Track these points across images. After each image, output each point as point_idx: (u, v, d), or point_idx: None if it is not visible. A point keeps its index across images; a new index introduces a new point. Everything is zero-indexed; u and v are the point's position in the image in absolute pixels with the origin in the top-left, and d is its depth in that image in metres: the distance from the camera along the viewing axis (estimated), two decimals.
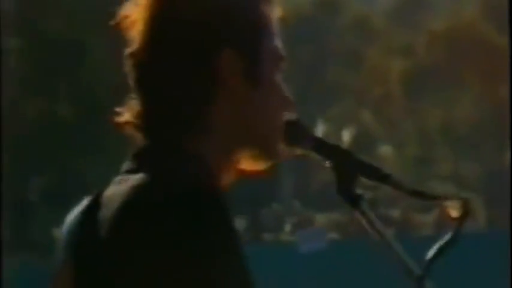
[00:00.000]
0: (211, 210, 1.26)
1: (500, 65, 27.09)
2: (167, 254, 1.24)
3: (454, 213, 1.53)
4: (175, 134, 1.35)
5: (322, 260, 14.81)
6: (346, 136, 24.76)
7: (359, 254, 15.32)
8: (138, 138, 1.37)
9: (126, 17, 1.37)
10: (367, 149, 22.41)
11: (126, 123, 1.37)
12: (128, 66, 1.38)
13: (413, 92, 27.39)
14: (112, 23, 1.36)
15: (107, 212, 1.31)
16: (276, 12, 1.38)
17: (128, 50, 1.37)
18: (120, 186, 1.33)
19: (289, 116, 1.44)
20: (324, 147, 1.49)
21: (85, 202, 1.36)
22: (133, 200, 1.29)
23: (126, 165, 1.36)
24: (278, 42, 1.38)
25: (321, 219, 24.75)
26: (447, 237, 1.51)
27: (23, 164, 20.97)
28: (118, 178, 1.35)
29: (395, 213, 22.66)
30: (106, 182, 1.38)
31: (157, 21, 1.35)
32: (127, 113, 1.37)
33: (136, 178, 1.32)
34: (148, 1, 1.36)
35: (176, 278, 1.23)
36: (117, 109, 1.37)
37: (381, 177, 1.49)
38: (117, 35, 1.39)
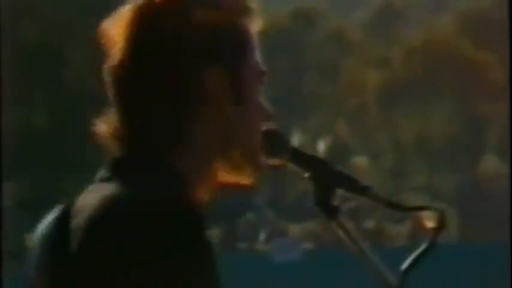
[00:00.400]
0: (183, 224, 1.25)
1: (475, 79, 27.29)
2: (135, 268, 1.23)
3: (430, 224, 1.55)
4: (153, 146, 1.34)
5: (296, 270, 14.79)
6: (322, 147, 24.82)
7: (333, 264, 15.33)
8: (114, 149, 1.36)
9: (107, 31, 1.36)
10: (343, 159, 22.47)
11: (103, 133, 1.38)
12: (107, 80, 1.37)
13: (389, 104, 27.52)
14: (92, 35, 1.36)
15: (78, 221, 1.30)
16: (255, 26, 1.38)
17: (108, 64, 1.36)
18: (92, 195, 1.32)
19: (267, 126, 1.44)
20: (302, 158, 1.50)
21: (57, 210, 1.36)
22: (104, 210, 1.28)
23: (101, 173, 1.35)
24: (258, 57, 1.39)
25: (295, 229, 24.75)
26: (422, 248, 1.53)
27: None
28: (92, 186, 1.34)
29: (369, 224, 22.71)
30: (81, 191, 1.38)
31: (139, 37, 1.34)
32: (104, 124, 1.37)
33: (109, 187, 1.31)
34: (131, 16, 1.35)
35: None
36: (95, 120, 1.37)
37: (359, 189, 1.51)
38: (97, 44, 1.39)
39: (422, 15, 31.46)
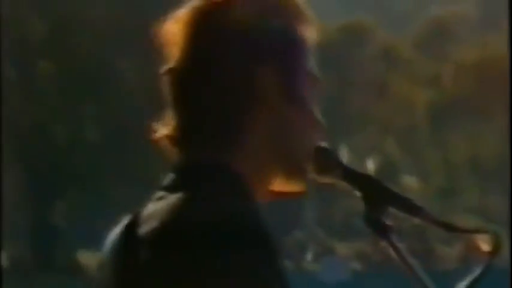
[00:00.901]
0: (256, 242, 1.23)
1: None
2: (203, 284, 1.22)
3: (485, 246, 1.50)
4: (214, 151, 1.33)
5: None
6: (370, 166, 24.65)
7: (381, 285, 15.17)
8: (174, 153, 1.35)
9: (166, 33, 1.36)
10: (391, 179, 22.33)
11: (163, 137, 1.36)
12: (166, 83, 1.36)
13: (439, 123, 27.29)
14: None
15: (144, 231, 1.29)
16: (311, 35, 1.39)
17: (166, 66, 1.36)
18: (158, 205, 1.31)
19: (319, 143, 1.42)
20: (354, 177, 1.47)
21: (125, 221, 1.35)
22: (171, 221, 1.27)
23: (165, 179, 1.34)
24: (313, 64, 1.39)
25: (343, 248, 24.61)
26: (477, 271, 1.48)
27: (48, 187, 21.08)
28: (157, 194, 1.33)
29: (419, 245, 22.48)
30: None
31: (197, 38, 1.34)
32: (163, 128, 1.36)
33: (175, 196, 1.30)
34: (189, 18, 1.35)
35: None
36: (152, 124, 1.36)
37: (413, 209, 1.47)
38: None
39: (474, 33, 31.22)
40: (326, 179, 1.47)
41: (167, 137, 1.36)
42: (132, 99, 21.93)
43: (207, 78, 1.33)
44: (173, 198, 1.30)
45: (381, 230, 1.46)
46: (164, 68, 1.36)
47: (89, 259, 22.04)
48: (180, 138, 1.35)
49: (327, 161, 1.45)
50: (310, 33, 1.39)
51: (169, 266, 1.24)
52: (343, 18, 28.15)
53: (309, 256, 22.96)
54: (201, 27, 1.34)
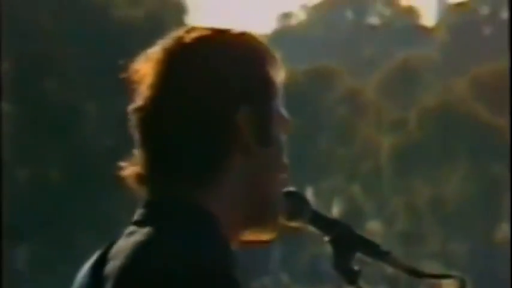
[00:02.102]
0: (220, 282, 1.21)
1: (490, 142, 27.27)
2: None
3: None
4: (185, 189, 1.31)
5: None
6: (336, 210, 24.71)
7: None
8: (142, 192, 1.33)
9: (136, 71, 1.34)
10: (356, 223, 22.35)
11: (131, 175, 1.34)
12: (135, 120, 1.35)
13: (404, 167, 27.47)
14: (122, 75, 1.34)
15: (111, 267, 1.28)
16: (281, 77, 1.39)
17: (136, 104, 1.34)
18: (127, 241, 1.30)
19: (287, 187, 1.42)
20: (323, 221, 1.47)
21: (95, 256, 1.34)
22: (135, 259, 1.25)
23: (137, 214, 1.33)
24: (283, 106, 1.39)
25: None
26: None
27: (12, 230, 20.78)
28: (128, 230, 1.32)
29: None
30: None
31: (169, 77, 1.33)
32: (132, 167, 1.34)
33: (142, 233, 1.29)
34: (160, 57, 1.33)
35: None
36: (121, 164, 1.34)
37: (380, 254, 1.47)
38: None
39: (438, 77, 31.62)
40: (294, 223, 1.47)
41: (136, 175, 1.34)
42: (97, 140, 21.81)
43: (179, 119, 1.32)
44: (140, 234, 1.29)
45: (349, 275, 1.46)
46: (134, 106, 1.35)
47: None
48: (149, 175, 1.33)
49: (296, 205, 1.45)
50: (279, 76, 1.39)
51: None
52: (310, 63, 28.38)
53: None
54: (173, 67, 1.33)
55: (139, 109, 1.34)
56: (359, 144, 28.13)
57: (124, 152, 1.37)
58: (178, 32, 1.35)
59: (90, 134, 22.11)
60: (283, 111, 1.39)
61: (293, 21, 54.38)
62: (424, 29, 49.36)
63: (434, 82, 30.82)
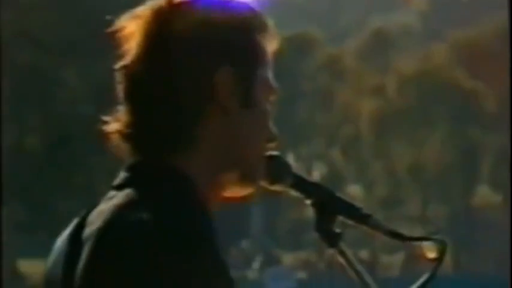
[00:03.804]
0: (193, 245, 1.23)
1: (469, 108, 27.39)
2: (138, 284, 1.22)
3: (431, 254, 1.53)
4: (164, 150, 1.33)
5: None
6: (316, 175, 24.81)
7: None
8: (124, 150, 1.35)
9: (123, 28, 1.35)
10: (336, 188, 22.41)
11: (114, 132, 1.35)
12: (120, 77, 1.35)
13: (383, 132, 27.58)
14: (108, 31, 1.34)
15: (89, 232, 1.29)
16: (271, 46, 1.39)
17: (121, 62, 1.34)
18: (105, 205, 1.31)
19: (270, 151, 1.43)
20: (305, 185, 1.49)
21: (74, 221, 1.35)
22: (112, 222, 1.27)
23: (117, 179, 1.34)
24: (271, 74, 1.40)
25: (289, 258, 24.66)
26: (424, 278, 1.50)
27: None
28: (108, 194, 1.33)
29: (363, 254, 22.66)
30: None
31: (156, 36, 1.33)
32: (115, 123, 1.36)
33: (120, 197, 1.30)
34: (148, 16, 1.34)
35: None
36: (104, 118, 1.35)
37: (361, 217, 1.49)
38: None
39: (417, 44, 31.65)
40: (276, 187, 1.49)
41: (118, 132, 1.35)
42: (76, 107, 21.71)
43: (162, 76, 1.33)
44: (118, 198, 1.30)
45: (331, 238, 1.48)
46: (119, 63, 1.35)
47: (30, 267, 21.75)
48: (130, 134, 1.34)
49: (278, 169, 1.47)
50: (270, 44, 1.39)
51: (106, 266, 1.24)
52: (290, 30, 28.31)
53: (255, 265, 22.97)
54: (161, 26, 1.33)
55: (125, 66, 1.35)
56: (339, 110, 28.19)
57: (101, 120, 1.37)
58: None
59: (69, 101, 22.00)
60: (270, 79, 1.40)
61: None
62: None
63: (413, 48, 30.85)
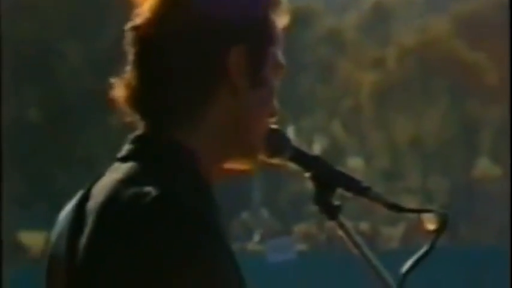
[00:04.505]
0: (197, 218, 1.23)
1: (470, 81, 27.34)
2: (139, 260, 1.22)
3: (431, 226, 1.53)
4: (171, 124, 1.32)
5: (290, 271, 14.80)
6: (317, 147, 24.82)
7: (327, 265, 15.35)
8: (130, 116, 1.34)
9: None
10: (337, 160, 22.50)
11: (121, 98, 1.34)
12: (129, 39, 1.33)
13: (383, 105, 27.56)
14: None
15: (92, 204, 1.29)
16: (282, 22, 1.39)
17: (133, 22, 1.33)
18: (109, 177, 1.31)
19: (270, 124, 1.43)
20: (304, 158, 1.49)
21: (78, 195, 1.34)
22: (114, 197, 1.27)
23: (122, 150, 1.34)
24: (280, 51, 1.39)
25: (289, 230, 24.74)
26: (423, 250, 1.51)
27: None
28: (112, 166, 1.33)
29: (364, 226, 22.73)
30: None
31: (172, 3, 1.32)
32: (123, 88, 1.34)
33: (123, 170, 1.30)
34: None
35: (157, 282, 1.21)
36: (112, 80, 1.33)
37: (361, 189, 1.49)
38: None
39: (416, 16, 31.52)
40: (276, 160, 1.49)
41: (126, 98, 1.34)
42: (76, 80, 21.67)
43: (174, 45, 1.31)
44: (122, 170, 1.30)
45: (330, 210, 1.49)
46: (131, 23, 1.33)
47: (30, 239, 21.82)
48: (138, 102, 1.33)
49: (278, 142, 1.47)
50: (281, 21, 1.39)
51: (108, 242, 1.25)
52: (291, 1, 28.21)
53: (255, 237, 23.05)
54: None
55: (137, 27, 1.33)
56: (339, 82, 28.14)
57: (103, 92, 1.37)
58: None
59: (69, 74, 21.95)
60: (280, 56, 1.39)
61: None
62: None
63: (413, 20, 30.73)
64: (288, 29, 1.44)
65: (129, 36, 1.34)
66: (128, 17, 1.35)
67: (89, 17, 20.70)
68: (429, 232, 1.53)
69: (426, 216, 1.53)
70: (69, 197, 1.37)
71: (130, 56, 1.34)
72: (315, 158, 1.49)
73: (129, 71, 1.34)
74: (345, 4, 35.32)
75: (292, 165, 1.50)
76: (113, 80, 1.34)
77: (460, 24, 28.16)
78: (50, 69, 22.05)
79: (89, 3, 20.64)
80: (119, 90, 1.34)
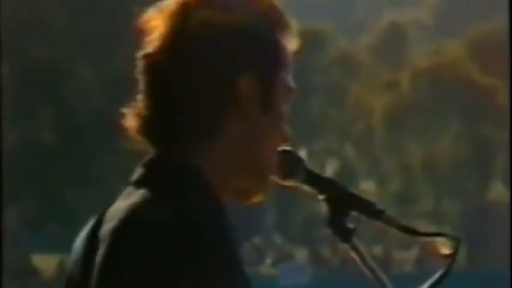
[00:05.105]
0: (213, 243, 1.23)
1: (482, 103, 27.31)
2: (159, 280, 1.22)
3: (445, 250, 1.52)
4: (183, 149, 1.32)
5: None
6: (329, 170, 24.79)
7: None
8: (142, 144, 1.34)
9: (149, 20, 1.34)
10: (349, 184, 22.40)
11: (132, 126, 1.34)
12: (141, 68, 1.33)
13: (396, 128, 27.53)
14: (133, 24, 1.33)
15: (106, 229, 1.29)
16: (293, 45, 1.39)
17: (144, 51, 1.32)
18: (123, 202, 1.31)
19: (283, 147, 1.42)
20: (318, 180, 1.48)
21: (92, 220, 1.34)
22: (129, 221, 1.27)
23: (135, 174, 1.33)
24: (291, 75, 1.39)
25: (301, 253, 24.67)
26: (438, 274, 1.50)
27: (1, 189, 20.81)
28: (126, 191, 1.33)
29: (377, 249, 22.64)
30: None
31: (182, 30, 1.32)
32: (134, 118, 1.34)
33: (137, 194, 1.30)
34: (175, 9, 1.33)
35: None
36: (123, 110, 1.33)
37: (375, 212, 1.48)
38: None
39: (430, 39, 31.55)
40: (289, 182, 1.48)
41: (137, 128, 1.34)
42: (88, 102, 21.76)
43: (184, 74, 1.31)
44: (136, 196, 1.30)
45: (344, 233, 1.48)
46: (143, 52, 1.33)
47: (43, 262, 21.82)
48: (150, 130, 1.33)
49: (291, 164, 1.46)
50: (291, 45, 1.39)
51: (121, 267, 1.24)
52: (303, 25, 28.33)
53: (268, 261, 22.98)
54: (187, 22, 1.32)
55: (148, 55, 1.33)
56: (351, 105, 28.15)
57: (115, 114, 1.36)
58: None
59: (82, 95, 22.05)
60: (290, 81, 1.39)
61: None
62: None
63: (426, 43, 30.77)
64: (298, 52, 1.43)
65: (140, 65, 1.34)
66: (139, 40, 1.35)
67: (101, 38, 20.82)
68: (443, 256, 1.52)
69: (440, 240, 1.52)
70: (81, 219, 1.37)
71: (141, 85, 1.33)
72: (329, 180, 1.49)
73: (140, 100, 1.33)
74: (357, 27, 35.42)
75: (306, 188, 1.49)
76: (124, 110, 1.34)
77: (473, 47, 28.17)
78: (62, 91, 22.17)
79: (101, 25, 20.77)
80: (131, 120, 1.34)
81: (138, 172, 1.34)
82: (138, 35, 1.33)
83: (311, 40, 27.62)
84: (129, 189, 1.33)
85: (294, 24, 1.40)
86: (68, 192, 21.54)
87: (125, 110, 1.34)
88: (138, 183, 1.32)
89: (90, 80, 21.90)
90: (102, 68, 20.53)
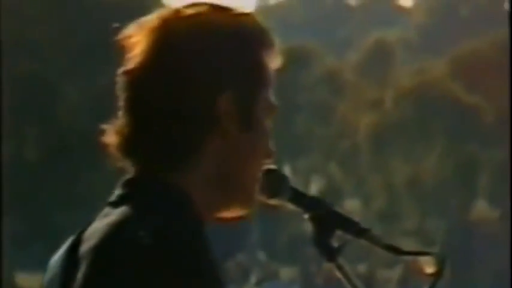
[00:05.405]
0: (191, 263, 1.23)
1: (467, 122, 27.42)
2: None
3: (429, 269, 1.52)
4: (163, 168, 1.31)
5: None
6: (313, 188, 24.79)
7: None
8: (122, 162, 1.33)
9: (129, 36, 1.32)
10: (334, 202, 22.39)
11: (112, 143, 1.33)
12: (121, 84, 1.32)
13: (381, 146, 27.59)
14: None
15: (84, 249, 1.29)
16: (275, 63, 1.38)
17: (124, 68, 1.31)
18: (101, 222, 1.31)
19: (268, 165, 1.41)
20: (303, 199, 1.48)
21: (69, 240, 1.33)
22: (107, 240, 1.26)
23: (113, 195, 1.33)
24: (272, 92, 1.38)
25: (286, 272, 24.61)
26: None
27: None
28: (103, 211, 1.33)
29: (361, 268, 22.61)
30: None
31: (161, 44, 1.31)
32: (113, 135, 1.33)
33: (117, 213, 1.29)
34: (157, 24, 1.32)
35: None
36: (103, 127, 1.32)
37: (359, 231, 1.48)
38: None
39: (414, 58, 31.70)
40: (274, 201, 1.48)
41: (117, 145, 1.33)
42: (75, 119, 21.71)
43: (164, 91, 1.30)
44: (115, 215, 1.29)
45: (329, 252, 1.48)
46: (123, 69, 1.32)
47: (27, 281, 21.67)
48: (129, 149, 1.33)
49: (275, 183, 1.46)
50: (274, 62, 1.38)
51: (104, 283, 1.24)
52: (289, 43, 28.39)
53: (253, 280, 22.89)
54: (167, 39, 1.31)
55: (129, 72, 1.32)
56: (337, 123, 28.20)
57: (102, 132, 1.35)
58: (177, 6, 1.34)
59: (68, 114, 22.00)
60: (272, 98, 1.38)
61: (272, 1, 54.24)
62: (402, 9, 49.43)
63: (411, 62, 30.92)
64: (284, 69, 1.43)
65: (120, 81, 1.33)
66: (124, 57, 1.35)
67: (88, 56, 20.80)
68: (427, 275, 1.52)
69: (424, 259, 1.52)
70: (67, 238, 1.36)
71: (121, 102, 1.32)
72: (314, 199, 1.49)
73: (119, 117, 1.33)
74: (342, 45, 35.56)
75: (291, 206, 1.49)
76: (104, 127, 1.33)
77: (457, 66, 28.33)
78: (49, 108, 22.11)
79: (89, 42, 20.75)
80: (110, 137, 1.33)
81: (116, 193, 1.33)
82: (122, 52, 1.33)
83: (297, 58, 27.68)
84: (106, 210, 1.32)
85: (277, 41, 1.39)
86: (54, 210, 21.44)
87: (105, 127, 1.33)
88: (117, 204, 1.31)
89: (77, 98, 21.86)
90: (89, 85, 20.50)
